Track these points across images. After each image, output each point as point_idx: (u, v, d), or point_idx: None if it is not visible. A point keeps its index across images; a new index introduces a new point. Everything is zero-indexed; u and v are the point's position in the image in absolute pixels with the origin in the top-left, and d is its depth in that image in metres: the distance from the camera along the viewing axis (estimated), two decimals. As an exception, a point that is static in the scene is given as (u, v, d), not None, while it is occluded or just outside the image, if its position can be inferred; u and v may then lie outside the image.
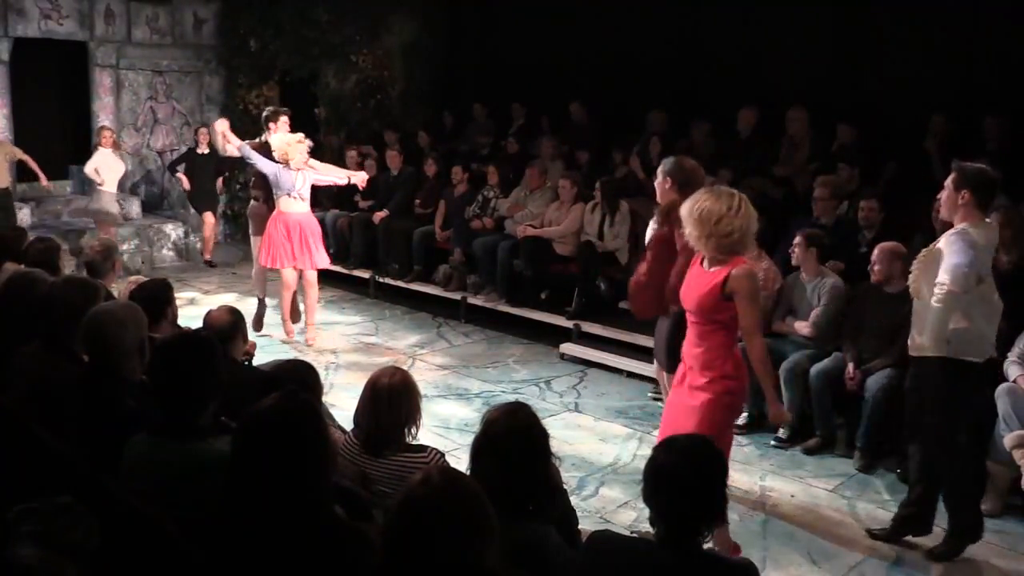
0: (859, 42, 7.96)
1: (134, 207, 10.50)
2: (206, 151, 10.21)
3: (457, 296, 8.48)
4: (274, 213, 7.18)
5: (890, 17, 7.72)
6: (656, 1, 9.20)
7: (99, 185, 9.36)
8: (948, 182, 4.05)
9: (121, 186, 9.88)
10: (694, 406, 3.80)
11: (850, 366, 5.35)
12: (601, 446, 5.57)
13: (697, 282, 3.84)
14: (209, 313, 4.07)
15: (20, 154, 9.33)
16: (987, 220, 4.01)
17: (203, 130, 10.30)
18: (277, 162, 7.07)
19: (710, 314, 3.79)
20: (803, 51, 8.18)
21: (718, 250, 3.73)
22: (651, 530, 2.39)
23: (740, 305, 3.70)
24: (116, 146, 9.70)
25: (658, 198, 4.78)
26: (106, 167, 9.39)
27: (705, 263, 3.85)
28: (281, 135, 7.25)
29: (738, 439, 5.67)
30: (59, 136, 10.65)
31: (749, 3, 8.63)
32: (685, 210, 3.78)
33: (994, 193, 4.04)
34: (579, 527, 3.09)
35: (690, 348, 3.90)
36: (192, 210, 10.50)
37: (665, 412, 4.16)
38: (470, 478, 2.20)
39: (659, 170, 4.75)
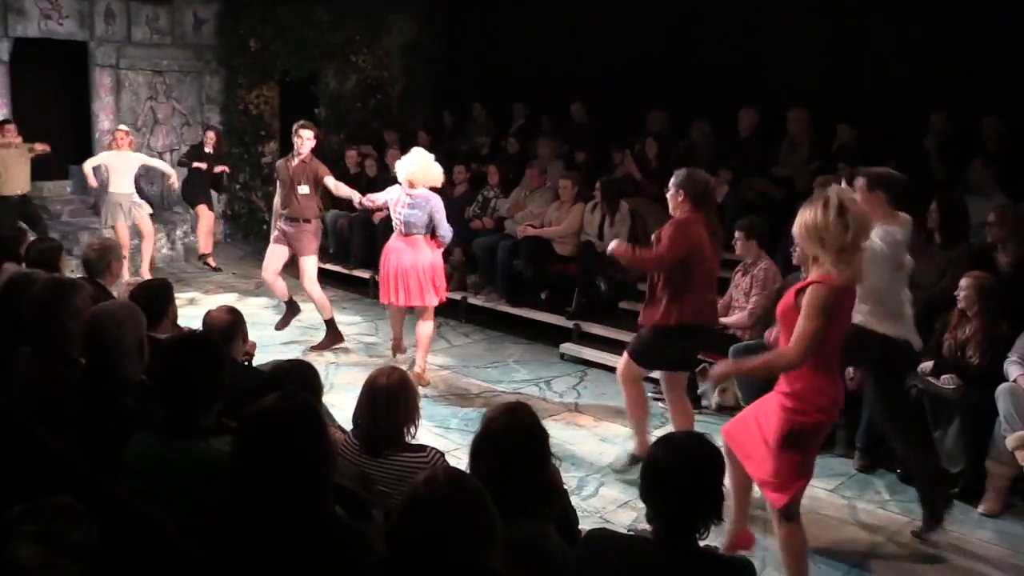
0: (859, 42, 7.96)
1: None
2: (211, 151, 10.21)
3: (457, 296, 8.48)
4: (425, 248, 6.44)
5: (889, 17, 7.71)
6: (656, 2, 9.20)
7: (101, 186, 9.27)
8: (859, 186, 4.25)
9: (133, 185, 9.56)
10: (776, 417, 3.52)
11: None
12: (601, 446, 5.57)
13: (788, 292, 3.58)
14: (209, 313, 4.07)
15: (38, 147, 9.19)
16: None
17: (210, 132, 10.33)
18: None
19: (787, 323, 3.49)
20: (803, 51, 8.18)
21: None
22: (649, 527, 2.39)
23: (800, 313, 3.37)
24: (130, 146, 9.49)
25: (671, 210, 4.75)
26: (113, 167, 9.24)
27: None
28: (419, 161, 6.41)
29: (738, 439, 5.68)
30: (59, 136, 10.63)
31: (749, 3, 8.63)
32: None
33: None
34: (579, 527, 3.09)
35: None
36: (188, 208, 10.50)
37: (752, 411, 3.84)
38: (474, 479, 2.20)
39: (671, 182, 4.74)
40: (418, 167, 6.36)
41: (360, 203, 7.14)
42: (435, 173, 6.46)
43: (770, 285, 5.92)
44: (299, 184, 7.14)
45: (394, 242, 6.51)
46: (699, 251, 4.59)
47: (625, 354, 5.00)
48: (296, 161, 7.15)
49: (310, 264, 7.29)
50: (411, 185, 6.36)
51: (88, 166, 9.29)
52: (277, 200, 7.54)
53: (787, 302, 3.52)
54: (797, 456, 3.51)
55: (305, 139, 7.08)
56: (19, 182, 8.97)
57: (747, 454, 3.71)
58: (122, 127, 9.55)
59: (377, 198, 6.74)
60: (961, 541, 4.47)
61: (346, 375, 6.66)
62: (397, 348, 6.94)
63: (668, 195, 4.75)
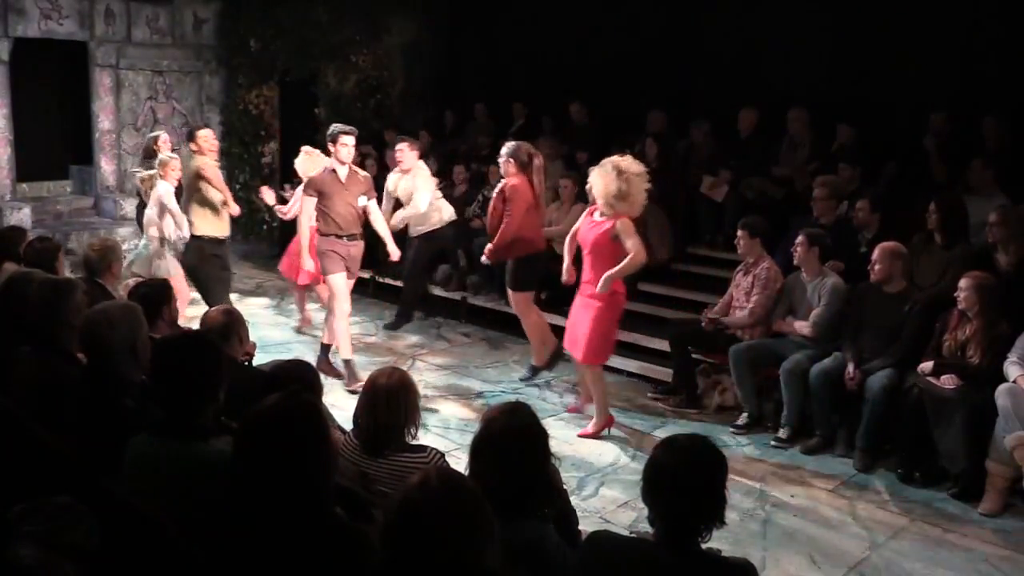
0: (859, 42, 7.95)
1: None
2: None
3: (457, 296, 8.48)
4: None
5: (889, 17, 7.71)
6: (656, 1, 9.20)
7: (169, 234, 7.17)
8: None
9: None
10: (592, 313, 5.47)
11: (850, 366, 5.35)
12: (601, 446, 5.57)
13: (592, 229, 5.48)
14: (207, 313, 4.09)
15: (207, 173, 7.07)
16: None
17: (164, 137, 8.09)
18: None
19: (602, 251, 5.40)
20: (803, 51, 8.18)
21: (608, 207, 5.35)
22: (650, 530, 2.39)
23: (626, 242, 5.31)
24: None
25: (503, 173, 6.34)
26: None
27: (597, 215, 5.48)
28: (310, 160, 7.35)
29: (738, 439, 5.70)
30: (59, 136, 10.65)
31: (749, 3, 8.63)
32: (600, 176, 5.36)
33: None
34: (579, 527, 3.09)
35: (588, 273, 5.50)
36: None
37: (571, 317, 5.73)
38: (468, 479, 2.20)
39: (503, 152, 6.27)
40: (311, 164, 7.26)
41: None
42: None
43: (771, 285, 5.92)
44: (359, 197, 6.50)
45: None
46: (531, 203, 6.24)
47: (511, 292, 6.50)
48: (348, 172, 6.43)
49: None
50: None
51: (179, 221, 7.23)
52: (309, 220, 6.48)
53: (604, 238, 5.38)
54: (611, 327, 5.63)
55: (351, 146, 6.39)
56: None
57: (576, 346, 5.60)
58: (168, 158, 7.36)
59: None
60: (961, 541, 4.47)
61: (346, 375, 6.65)
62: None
63: (500, 162, 6.32)
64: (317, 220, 6.43)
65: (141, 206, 7.66)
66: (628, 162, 5.37)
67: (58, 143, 10.62)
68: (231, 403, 2.78)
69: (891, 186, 6.90)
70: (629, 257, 5.31)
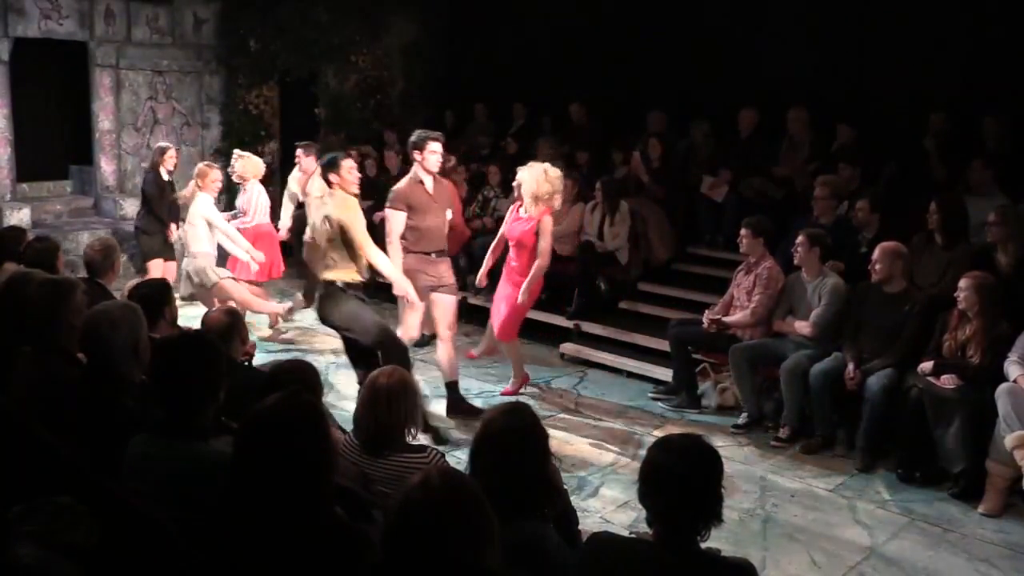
0: (859, 42, 7.95)
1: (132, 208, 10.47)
2: (168, 177, 7.95)
3: (457, 296, 8.45)
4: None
5: (889, 17, 7.71)
6: (655, 2, 9.19)
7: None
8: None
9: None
10: (512, 298, 6.03)
11: (850, 366, 5.35)
12: (601, 446, 5.58)
13: (518, 224, 6.05)
14: (207, 314, 4.09)
15: (355, 231, 5.38)
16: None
17: (169, 149, 8.03)
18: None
19: (527, 244, 5.97)
20: (803, 51, 8.18)
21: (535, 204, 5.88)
22: (650, 530, 2.39)
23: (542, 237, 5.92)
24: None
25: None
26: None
27: (522, 211, 5.99)
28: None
29: (738, 439, 5.70)
30: (59, 136, 10.64)
31: (749, 3, 8.63)
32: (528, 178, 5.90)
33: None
34: (579, 527, 3.09)
35: (515, 261, 6.09)
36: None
37: (495, 300, 6.35)
38: (469, 478, 2.20)
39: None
40: (250, 167, 7.68)
41: None
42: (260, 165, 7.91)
43: (773, 285, 5.92)
44: (445, 209, 5.99)
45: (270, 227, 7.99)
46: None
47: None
48: (432, 182, 5.88)
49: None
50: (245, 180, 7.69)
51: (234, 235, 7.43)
52: (396, 239, 5.76)
53: (529, 234, 5.92)
54: (525, 310, 6.25)
55: (440, 153, 5.91)
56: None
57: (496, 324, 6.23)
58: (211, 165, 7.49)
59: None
60: (961, 541, 4.47)
61: (346, 375, 6.65)
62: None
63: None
64: (403, 237, 5.76)
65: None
66: (553, 169, 5.99)
67: (58, 143, 10.60)
68: (231, 403, 2.78)
69: (891, 186, 6.91)
70: (536, 265, 5.92)
